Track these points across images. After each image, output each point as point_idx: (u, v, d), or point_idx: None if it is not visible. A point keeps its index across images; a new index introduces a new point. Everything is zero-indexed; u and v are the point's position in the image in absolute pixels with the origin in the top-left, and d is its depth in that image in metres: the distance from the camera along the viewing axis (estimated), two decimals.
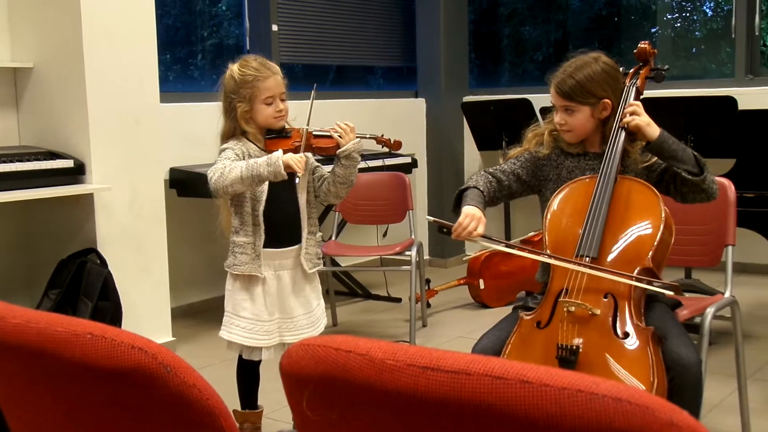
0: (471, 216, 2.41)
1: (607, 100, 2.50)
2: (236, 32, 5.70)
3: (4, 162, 3.64)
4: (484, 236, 2.41)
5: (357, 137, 2.87)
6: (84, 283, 3.79)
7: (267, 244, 2.83)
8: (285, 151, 2.77)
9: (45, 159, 3.80)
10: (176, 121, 4.66)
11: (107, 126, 3.94)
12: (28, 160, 3.73)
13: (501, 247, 2.54)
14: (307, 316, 2.93)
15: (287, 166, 2.64)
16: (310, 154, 2.93)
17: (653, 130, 2.42)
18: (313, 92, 2.89)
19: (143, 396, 1.05)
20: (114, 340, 1.04)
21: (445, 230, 2.45)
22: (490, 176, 2.60)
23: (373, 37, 6.39)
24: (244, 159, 2.77)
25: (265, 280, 2.85)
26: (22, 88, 4.09)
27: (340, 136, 2.84)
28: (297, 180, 2.73)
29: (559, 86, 2.51)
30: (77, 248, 3.92)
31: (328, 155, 2.91)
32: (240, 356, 2.94)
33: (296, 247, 2.89)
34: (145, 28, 4.09)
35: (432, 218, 2.52)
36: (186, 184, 4.53)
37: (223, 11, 5.76)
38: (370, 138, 3.04)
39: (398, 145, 3.20)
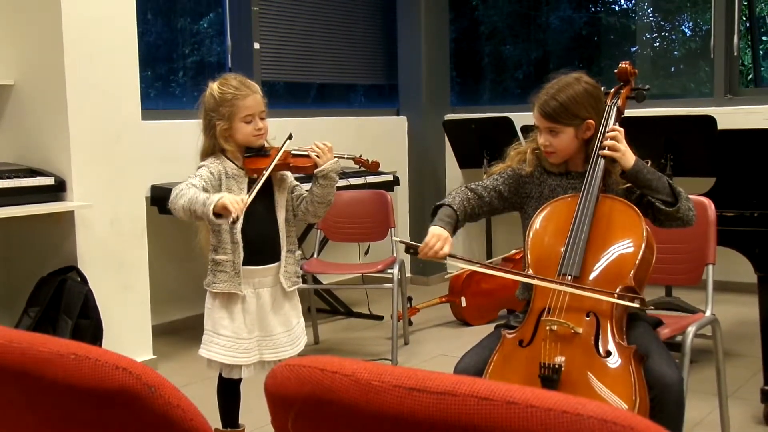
0: (437, 236, 2.42)
1: (590, 121, 2.51)
2: (218, 50, 5.71)
3: None
4: (450, 255, 2.42)
5: (335, 157, 2.88)
6: (64, 300, 3.77)
7: (246, 262, 2.83)
8: (257, 172, 2.77)
9: (25, 176, 3.78)
10: (157, 138, 4.65)
11: (88, 143, 3.93)
12: (9, 178, 3.71)
13: (468, 266, 2.55)
14: (286, 334, 2.93)
15: (223, 208, 2.58)
16: (288, 173, 2.94)
17: (628, 159, 2.43)
18: (287, 140, 2.85)
19: (127, 416, 1.05)
20: (98, 361, 1.04)
21: (411, 251, 2.46)
22: (470, 192, 2.60)
23: (354, 55, 6.41)
24: (219, 178, 2.79)
25: (244, 297, 2.85)
26: (3, 106, 4.07)
27: (317, 156, 2.85)
28: (231, 223, 2.64)
29: (543, 108, 2.52)
30: (57, 266, 3.90)
31: (306, 174, 2.92)
32: (220, 374, 2.93)
33: (275, 265, 2.89)
34: (127, 46, 4.09)
35: (399, 239, 2.54)
36: (167, 202, 4.50)
37: (205, 29, 5.77)
38: (348, 158, 3.05)
39: (376, 165, 3.21)
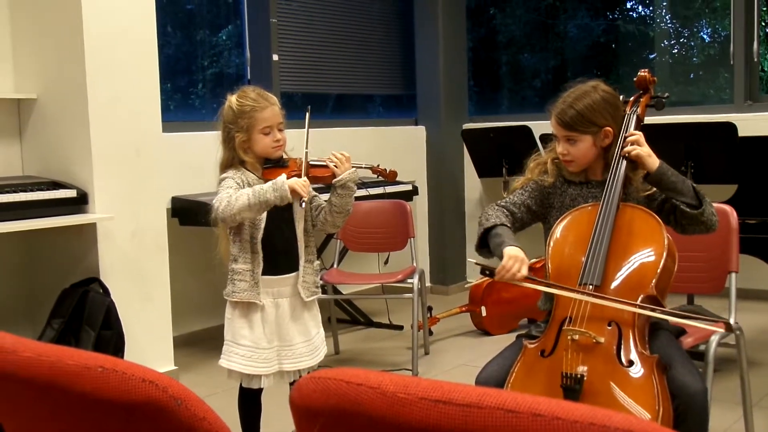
0: (514, 258, 2.36)
1: (608, 128, 2.50)
2: (237, 61, 5.74)
3: (8, 192, 3.66)
4: (528, 278, 2.38)
5: (353, 167, 2.89)
6: (87, 312, 3.79)
7: (265, 272, 2.85)
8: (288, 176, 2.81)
9: (48, 189, 3.82)
10: (178, 150, 4.68)
11: (110, 156, 3.96)
12: (32, 190, 3.75)
13: (546, 289, 2.45)
14: (306, 344, 2.93)
15: (292, 191, 2.69)
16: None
17: (653, 161, 2.43)
18: (307, 114, 2.91)
19: (154, 429, 1.05)
20: (125, 374, 1.05)
21: (488, 272, 2.42)
22: (505, 209, 2.59)
23: (372, 65, 6.43)
24: (244, 188, 2.80)
25: (263, 307, 2.86)
26: (26, 119, 4.11)
27: (335, 166, 2.86)
28: (302, 204, 2.76)
29: (560, 117, 2.52)
30: (80, 277, 3.92)
31: (325, 184, 2.93)
32: (241, 385, 2.94)
33: (294, 275, 2.90)
34: (148, 59, 4.12)
35: (474, 260, 2.47)
36: (188, 213, 4.54)
37: (224, 41, 5.80)
38: (365, 168, 3.06)
39: (393, 175, 3.22)
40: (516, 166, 2.80)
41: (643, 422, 0.79)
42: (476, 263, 2.44)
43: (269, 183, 2.71)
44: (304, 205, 2.77)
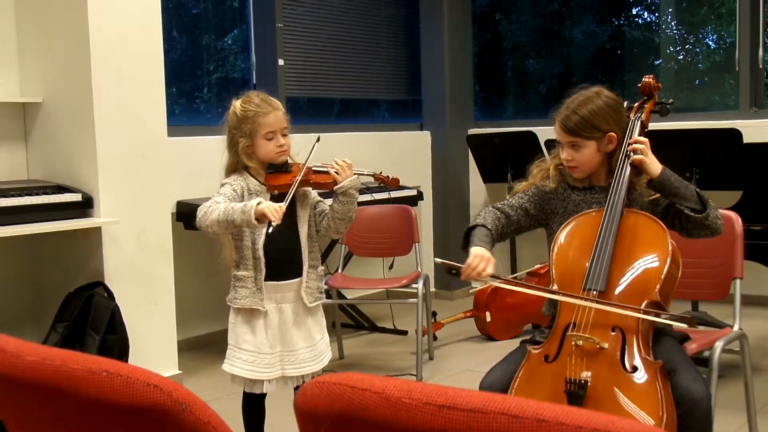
0: (480, 257, 2.39)
1: (612, 134, 2.51)
2: (242, 66, 5.75)
3: (13, 196, 3.67)
4: (493, 276, 2.40)
5: (355, 174, 2.89)
6: (91, 316, 3.80)
7: (268, 277, 2.84)
8: (278, 188, 2.79)
9: (53, 193, 3.82)
10: (183, 154, 4.69)
11: (115, 160, 3.97)
12: (37, 194, 3.76)
13: (510, 287, 2.50)
14: (309, 350, 2.93)
15: (262, 215, 2.62)
16: (310, 188, 2.95)
17: (656, 167, 2.43)
18: (316, 144, 2.88)
19: None
20: (129, 378, 1.05)
21: (453, 271, 2.42)
22: (498, 212, 2.60)
23: (378, 70, 6.44)
24: (242, 195, 2.81)
25: (266, 313, 2.86)
26: (31, 123, 4.12)
27: (337, 173, 2.85)
28: (270, 230, 2.65)
29: (564, 123, 2.52)
30: (85, 281, 3.93)
31: (327, 191, 2.93)
32: (244, 390, 2.94)
33: (297, 280, 2.89)
34: (153, 64, 4.13)
35: (440, 260, 2.48)
36: (193, 217, 4.50)
37: (230, 45, 5.81)
38: (368, 175, 3.05)
39: (396, 182, 3.22)
40: (521, 172, 2.80)
41: (648, 428, 0.79)
42: (441, 262, 2.45)
43: (241, 204, 2.68)
44: (271, 230, 2.65)
